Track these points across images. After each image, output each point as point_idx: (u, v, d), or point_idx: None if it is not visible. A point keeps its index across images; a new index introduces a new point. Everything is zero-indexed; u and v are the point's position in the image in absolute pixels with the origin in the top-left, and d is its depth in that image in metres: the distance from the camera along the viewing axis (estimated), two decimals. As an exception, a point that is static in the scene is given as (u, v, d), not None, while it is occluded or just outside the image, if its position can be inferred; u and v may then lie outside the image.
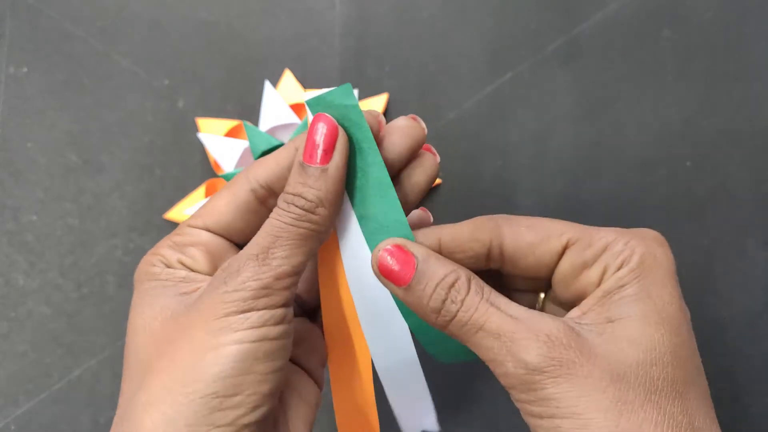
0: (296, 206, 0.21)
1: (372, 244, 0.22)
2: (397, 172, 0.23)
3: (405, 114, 0.37)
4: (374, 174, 0.22)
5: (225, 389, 0.19)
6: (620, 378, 0.18)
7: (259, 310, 0.20)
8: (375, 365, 0.24)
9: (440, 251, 0.22)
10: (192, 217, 0.24)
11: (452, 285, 0.20)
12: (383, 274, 0.21)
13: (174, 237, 0.23)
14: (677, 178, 0.35)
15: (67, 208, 0.35)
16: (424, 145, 0.23)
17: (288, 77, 0.35)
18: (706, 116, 0.36)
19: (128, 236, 0.35)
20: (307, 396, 0.24)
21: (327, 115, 0.21)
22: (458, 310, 0.20)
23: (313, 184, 0.21)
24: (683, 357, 0.19)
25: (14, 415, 0.33)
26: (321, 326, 0.25)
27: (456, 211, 0.35)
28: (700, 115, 0.36)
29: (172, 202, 0.35)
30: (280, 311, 0.20)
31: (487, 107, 0.36)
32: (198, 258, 0.23)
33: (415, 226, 0.23)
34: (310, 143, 0.21)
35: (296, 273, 0.21)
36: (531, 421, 0.19)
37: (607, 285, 0.21)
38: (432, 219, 0.25)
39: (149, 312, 0.21)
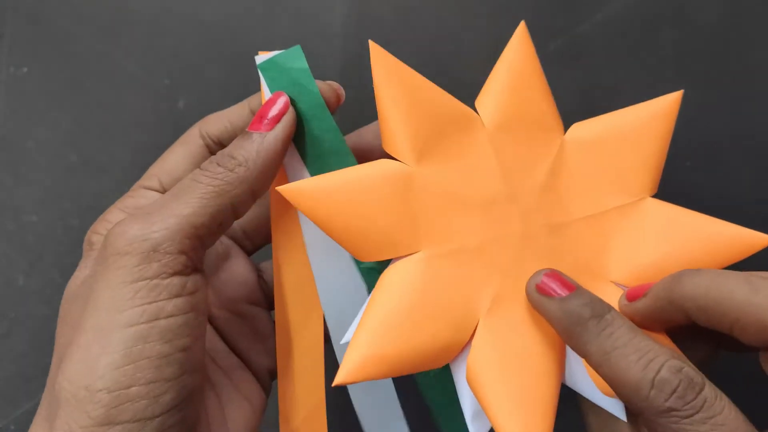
0: (218, 163, 0.20)
1: None
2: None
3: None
4: (329, 142, 0.21)
5: (116, 382, 0.17)
6: None
7: (150, 279, 0.17)
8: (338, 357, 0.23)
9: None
10: (145, 175, 0.23)
11: (603, 316, 0.19)
12: (542, 291, 0.20)
13: (126, 200, 0.23)
14: (677, 178, 0.35)
15: (67, 208, 0.35)
16: None
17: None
18: (706, 116, 0.36)
19: (128, 236, 0.35)
20: (250, 396, 0.22)
21: (284, 94, 0.21)
22: (600, 334, 0.19)
23: (246, 146, 0.20)
24: None
25: (14, 416, 0.33)
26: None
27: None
28: (701, 115, 0.36)
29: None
30: (176, 280, 0.18)
31: (487, 107, 0.36)
32: None
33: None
34: (259, 115, 0.21)
35: (197, 235, 0.18)
36: None
37: None
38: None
39: (68, 291, 0.21)
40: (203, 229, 0.19)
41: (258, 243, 0.26)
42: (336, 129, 0.21)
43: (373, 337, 0.20)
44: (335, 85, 0.23)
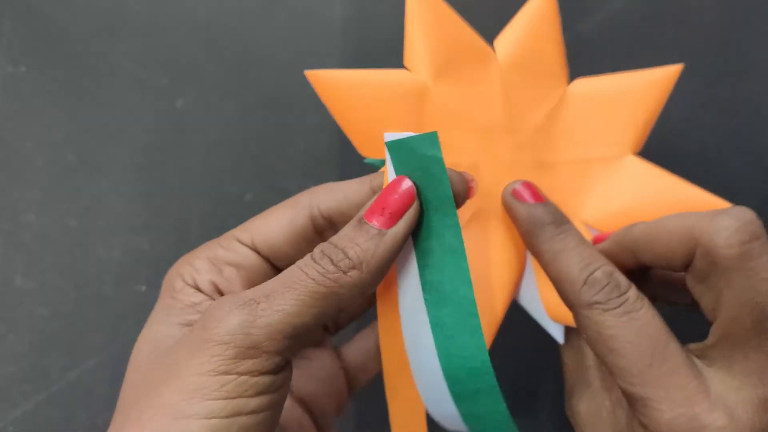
0: (331, 260, 0.18)
1: (432, 315, 0.20)
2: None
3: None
4: (448, 238, 0.19)
5: None
6: None
7: (240, 374, 0.17)
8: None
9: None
10: (242, 227, 0.22)
11: (561, 224, 0.22)
12: (516, 196, 0.23)
13: (217, 249, 0.21)
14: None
15: (65, 208, 0.34)
16: None
17: None
18: (707, 115, 0.36)
19: (126, 237, 0.34)
20: None
21: (408, 180, 0.19)
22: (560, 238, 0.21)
23: (362, 243, 0.18)
24: None
25: (12, 417, 0.33)
26: (344, 360, 0.24)
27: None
28: (701, 114, 0.36)
29: (170, 203, 0.35)
30: (266, 379, 0.17)
31: (487, 107, 0.36)
32: (233, 281, 0.21)
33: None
34: (379, 203, 0.19)
35: (296, 335, 0.18)
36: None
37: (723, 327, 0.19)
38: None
39: (147, 345, 0.20)
40: (303, 329, 0.18)
41: (341, 324, 0.26)
42: (458, 226, 0.19)
43: None
44: (468, 176, 0.21)
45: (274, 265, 0.22)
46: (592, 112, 0.26)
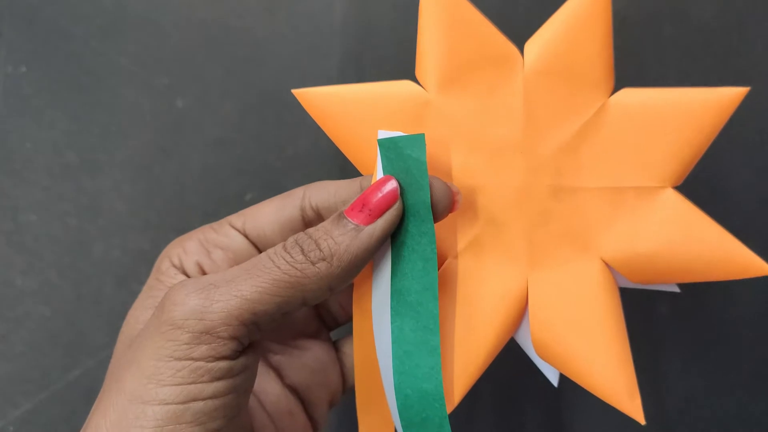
0: (302, 249, 0.18)
1: (395, 325, 0.19)
2: None
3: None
4: (422, 245, 0.19)
5: None
6: None
7: (194, 360, 0.17)
8: None
9: None
10: (238, 213, 0.22)
11: None
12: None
13: (209, 232, 0.22)
14: (678, 178, 0.35)
15: (65, 207, 0.35)
16: None
17: None
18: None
19: (126, 236, 0.34)
20: None
21: (394, 180, 0.19)
22: None
23: (336, 237, 0.18)
24: None
25: (13, 416, 0.33)
26: (341, 353, 0.24)
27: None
28: (701, 115, 0.36)
29: (170, 202, 0.35)
30: (222, 364, 0.17)
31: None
32: (220, 263, 0.21)
33: None
34: (360, 200, 0.19)
35: (254, 322, 0.17)
36: None
37: None
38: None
39: (126, 330, 0.20)
40: (264, 317, 0.18)
41: (339, 321, 0.25)
42: (433, 234, 0.19)
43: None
44: (454, 188, 0.20)
45: (262, 251, 0.22)
46: (632, 132, 0.22)
